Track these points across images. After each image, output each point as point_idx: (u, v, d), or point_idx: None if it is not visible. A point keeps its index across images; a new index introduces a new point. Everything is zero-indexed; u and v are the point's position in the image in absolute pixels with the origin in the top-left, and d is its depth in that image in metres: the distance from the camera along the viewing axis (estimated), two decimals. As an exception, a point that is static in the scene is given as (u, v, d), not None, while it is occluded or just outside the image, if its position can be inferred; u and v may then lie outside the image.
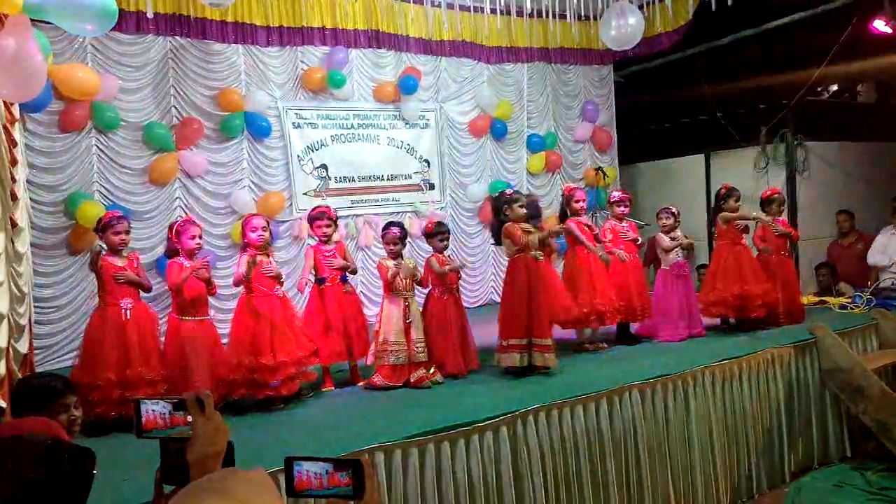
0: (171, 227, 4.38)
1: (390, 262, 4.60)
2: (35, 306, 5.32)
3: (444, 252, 4.85)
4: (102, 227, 4.11)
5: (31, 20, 3.19)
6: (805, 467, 4.96)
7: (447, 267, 4.70)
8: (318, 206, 4.96)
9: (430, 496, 3.37)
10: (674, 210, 5.58)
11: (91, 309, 5.67)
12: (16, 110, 4.56)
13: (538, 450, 3.68)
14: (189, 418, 1.24)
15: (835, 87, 8.70)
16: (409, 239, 7.17)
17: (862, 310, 5.91)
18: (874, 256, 6.74)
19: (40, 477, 1.20)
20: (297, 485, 1.21)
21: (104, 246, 4.17)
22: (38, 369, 5.05)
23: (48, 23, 3.39)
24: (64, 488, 1.22)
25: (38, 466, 1.21)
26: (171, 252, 4.34)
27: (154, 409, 1.25)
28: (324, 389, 4.55)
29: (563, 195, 5.52)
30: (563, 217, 5.41)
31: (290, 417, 4.03)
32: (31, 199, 5.38)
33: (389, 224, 4.84)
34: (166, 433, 1.24)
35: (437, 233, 4.83)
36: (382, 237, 4.79)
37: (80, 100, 5.64)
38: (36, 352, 5.24)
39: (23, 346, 4.30)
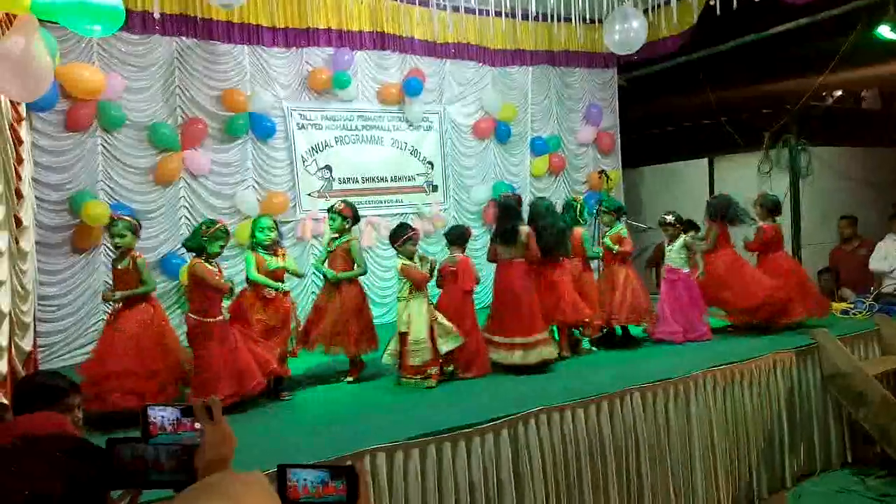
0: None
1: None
2: (39, 304, 5.34)
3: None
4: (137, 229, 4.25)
5: (39, 20, 3.21)
6: (806, 473, 4.96)
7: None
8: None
9: (431, 497, 3.39)
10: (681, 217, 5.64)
11: (95, 307, 5.73)
12: (22, 109, 4.59)
13: (539, 452, 3.70)
14: (197, 425, 1.25)
15: (839, 93, 8.67)
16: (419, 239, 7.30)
17: (864, 315, 5.93)
18: (876, 262, 6.73)
19: (84, 473, 1.19)
20: (291, 493, 1.21)
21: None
22: (42, 367, 5.07)
23: (56, 23, 3.41)
24: (93, 484, 1.22)
25: (81, 462, 1.20)
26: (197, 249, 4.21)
27: (162, 416, 1.25)
28: (349, 378, 4.73)
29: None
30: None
31: (292, 417, 4.05)
32: (36, 197, 5.40)
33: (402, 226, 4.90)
34: (173, 439, 1.25)
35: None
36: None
37: (86, 99, 5.67)
38: (39, 349, 5.26)
39: (27, 344, 4.32)
